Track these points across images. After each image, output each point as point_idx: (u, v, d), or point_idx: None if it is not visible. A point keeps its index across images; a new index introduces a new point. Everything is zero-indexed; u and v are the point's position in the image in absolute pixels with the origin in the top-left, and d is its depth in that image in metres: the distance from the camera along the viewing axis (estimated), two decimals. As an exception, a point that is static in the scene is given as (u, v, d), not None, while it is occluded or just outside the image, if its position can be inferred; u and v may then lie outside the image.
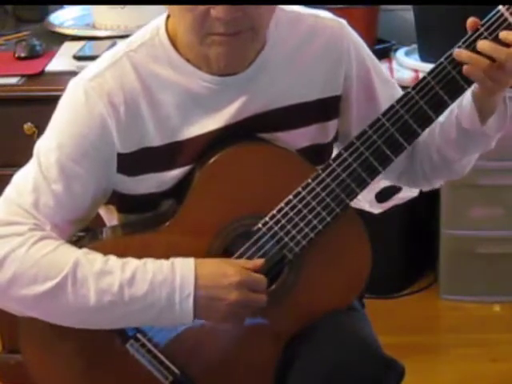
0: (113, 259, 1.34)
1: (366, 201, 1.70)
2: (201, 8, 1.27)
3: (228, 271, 1.35)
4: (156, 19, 1.42)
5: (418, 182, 1.59)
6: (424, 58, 2.55)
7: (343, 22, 1.49)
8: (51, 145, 1.37)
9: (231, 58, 1.33)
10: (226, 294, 1.33)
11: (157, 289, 1.32)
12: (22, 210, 1.35)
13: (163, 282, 1.32)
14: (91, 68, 1.39)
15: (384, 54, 2.63)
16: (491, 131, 1.43)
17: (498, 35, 1.31)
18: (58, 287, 1.31)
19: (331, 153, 1.51)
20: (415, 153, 1.53)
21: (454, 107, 1.42)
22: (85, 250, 1.35)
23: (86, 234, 1.42)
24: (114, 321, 1.35)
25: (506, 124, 1.43)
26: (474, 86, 1.37)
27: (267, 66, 1.41)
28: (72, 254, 1.34)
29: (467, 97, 1.40)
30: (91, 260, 1.33)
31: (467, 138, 1.44)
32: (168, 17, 1.40)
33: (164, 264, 1.34)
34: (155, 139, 1.39)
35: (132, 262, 1.34)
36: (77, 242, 1.40)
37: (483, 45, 1.32)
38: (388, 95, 1.49)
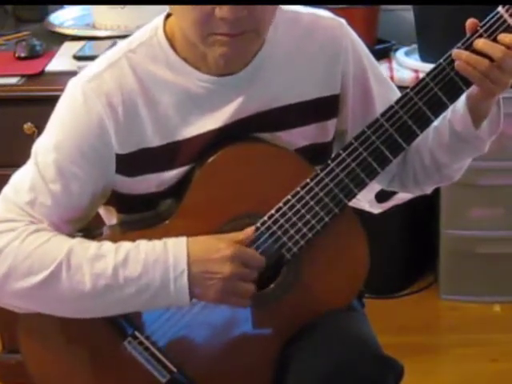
0: (107, 244, 1.35)
1: (366, 201, 1.70)
2: (206, 7, 1.26)
3: (220, 245, 1.35)
4: (155, 19, 1.42)
5: (408, 186, 1.58)
6: (424, 58, 2.55)
7: (342, 21, 1.49)
8: (49, 145, 1.37)
9: (232, 59, 1.33)
10: (220, 268, 1.33)
11: (150, 269, 1.32)
12: (18, 209, 1.36)
13: (156, 262, 1.33)
14: (90, 68, 1.40)
15: (384, 54, 2.63)
16: (484, 135, 1.42)
17: (496, 37, 1.31)
18: (52, 275, 1.32)
19: (332, 152, 1.52)
20: (408, 156, 1.53)
21: (448, 111, 1.42)
22: (79, 238, 1.36)
23: (84, 233, 1.42)
24: (112, 306, 1.35)
25: (499, 128, 1.43)
26: (471, 89, 1.37)
27: (265, 66, 1.41)
28: (66, 242, 1.34)
29: (461, 100, 1.40)
30: (85, 247, 1.34)
31: (460, 142, 1.44)
32: (167, 17, 1.41)
33: (157, 244, 1.35)
34: (154, 140, 1.39)
35: (125, 245, 1.35)
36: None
37: (479, 43, 1.32)
38: (384, 96, 1.49)
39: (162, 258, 1.33)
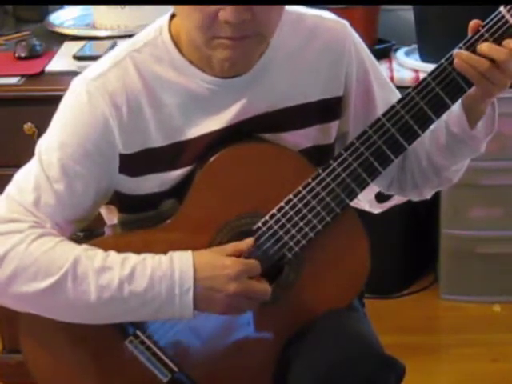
0: (113, 255, 1.34)
1: (366, 201, 1.70)
2: (210, 9, 1.26)
3: (226, 262, 1.35)
4: (159, 19, 1.42)
5: (407, 190, 1.58)
6: (424, 58, 2.56)
7: (345, 23, 1.48)
8: (53, 144, 1.37)
9: (236, 62, 1.33)
10: (225, 286, 1.33)
11: (156, 284, 1.32)
12: (22, 208, 1.36)
13: (163, 277, 1.33)
14: (94, 68, 1.39)
15: (384, 54, 2.63)
16: (480, 134, 1.42)
17: (498, 37, 1.31)
18: (58, 284, 1.31)
19: (334, 154, 1.51)
20: (405, 160, 1.53)
21: None
22: (85, 246, 1.36)
23: (85, 233, 1.42)
24: (114, 316, 1.36)
25: (494, 127, 1.43)
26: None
27: (269, 68, 1.41)
28: (72, 250, 1.34)
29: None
30: (91, 256, 1.33)
31: (456, 143, 1.44)
32: (171, 17, 1.40)
33: (163, 259, 1.34)
34: (157, 140, 1.39)
35: (131, 258, 1.34)
36: (76, 242, 1.39)
37: (483, 47, 1.32)
38: (385, 98, 1.49)
39: (169, 274, 1.33)
